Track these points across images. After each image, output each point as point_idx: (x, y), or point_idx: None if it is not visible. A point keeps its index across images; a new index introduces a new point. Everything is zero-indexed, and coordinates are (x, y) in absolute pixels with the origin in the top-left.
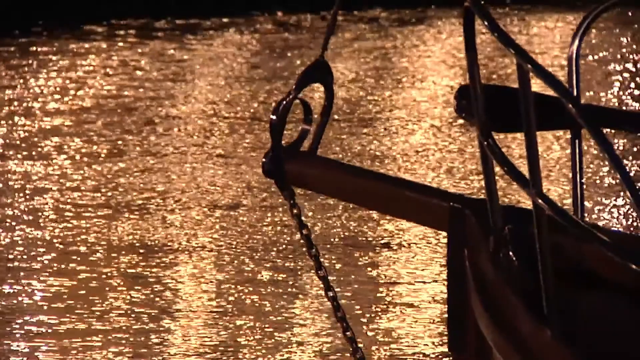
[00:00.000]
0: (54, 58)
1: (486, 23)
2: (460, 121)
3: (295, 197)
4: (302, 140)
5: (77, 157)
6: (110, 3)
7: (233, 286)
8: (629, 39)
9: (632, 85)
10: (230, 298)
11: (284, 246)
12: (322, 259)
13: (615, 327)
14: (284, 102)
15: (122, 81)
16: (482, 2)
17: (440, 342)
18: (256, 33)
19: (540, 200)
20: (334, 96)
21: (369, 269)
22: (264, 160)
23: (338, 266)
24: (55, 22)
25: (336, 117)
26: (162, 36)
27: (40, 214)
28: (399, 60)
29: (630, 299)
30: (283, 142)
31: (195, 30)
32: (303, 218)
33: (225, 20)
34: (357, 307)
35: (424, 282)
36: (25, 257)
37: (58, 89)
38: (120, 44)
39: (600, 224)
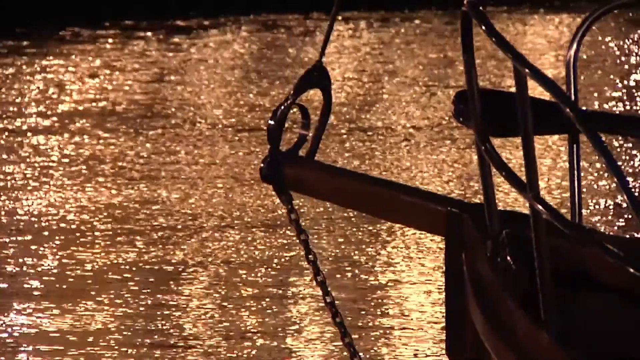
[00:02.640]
0: (38, 60)
1: (484, 27)
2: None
3: (293, 202)
4: (300, 145)
5: (60, 158)
6: (94, 4)
7: (232, 304)
8: (626, 40)
9: (630, 87)
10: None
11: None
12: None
13: (612, 329)
14: (282, 107)
15: (106, 83)
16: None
17: (438, 348)
18: (241, 33)
19: (537, 204)
20: (332, 101)
21: (365, 276)
22: (262, 165)
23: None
24: (39, 24)
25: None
26: (147, 37)
27: (19, 215)
28: (388, 60)
29: (627, 301)
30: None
31: (180, 31)
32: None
33: (210, 21)
34: (356, 312)
35: (423, 288)
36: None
37: (42, 90)
38: (104, 45)
39: (597, 227)
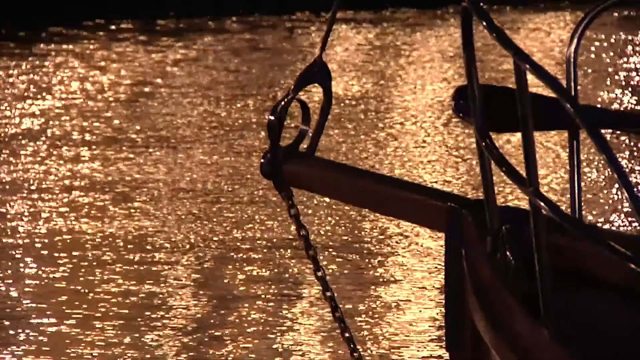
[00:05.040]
0: (21, 61)
1: (484, 23)
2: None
3: (293, 198)
4: (301, 141)
5: (43, 159)
6: (76, 4)
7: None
8: (625, 39)
9: (630, 85)
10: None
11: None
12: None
13: (611, 326)
14: (282, 103)
15: (88, 84)
16: (481, 2)
17: (438, 344)
18: (226, 35)
19: (537, 200)
20: (332, 97)
21: (366, 271)
22: (262, 161)
23: (334, 267)
24: (23, 25)
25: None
26: (130, 39)
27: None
28: (392, 60)
29: (627, 299)
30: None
31: (164, 32)
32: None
33: (194, 22)
34: (354, 308)
35: (422, 286)
36: None
37: (24, 91)
38: (88, 46)
39: (597, 223)
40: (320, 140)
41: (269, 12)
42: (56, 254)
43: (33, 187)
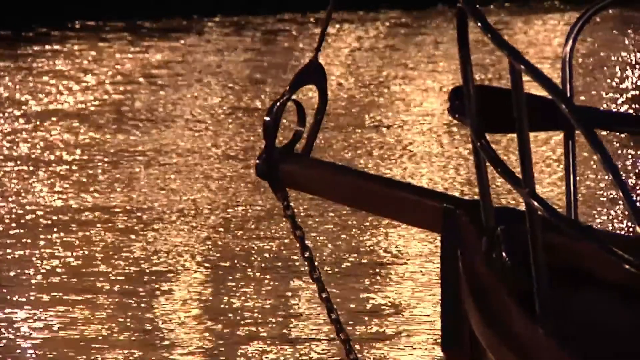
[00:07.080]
0: (7, 61)
1: (479, 24)
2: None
3: (289, 198)
4: (296, 142)
5: (30, 162)
6: (62, 5)
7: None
8: (619, 38)
9: (627, 85)
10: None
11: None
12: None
13: (607, 325)
14: (278, 104)
15: (74, 85)
16: (476, 3)
17: (436, 344)
18: (212, 35)
19: (533, 200)
20: (328, 98)
21: (362, 271)
22: (257, 161)
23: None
24: (6, 24)
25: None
26: (117, 39)
27: None
28: (396, 61)
29: (623, 298)
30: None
31: (150, 33)
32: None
33: (180, 23)
34: (353, 309)
35: (420, 284)
36: None
37: (9, 92)
38: (74, 47)
39: (593, 223)
40: (315, 141)
41: (255, 12)
42: (46, 259)
43: (17, 190)
